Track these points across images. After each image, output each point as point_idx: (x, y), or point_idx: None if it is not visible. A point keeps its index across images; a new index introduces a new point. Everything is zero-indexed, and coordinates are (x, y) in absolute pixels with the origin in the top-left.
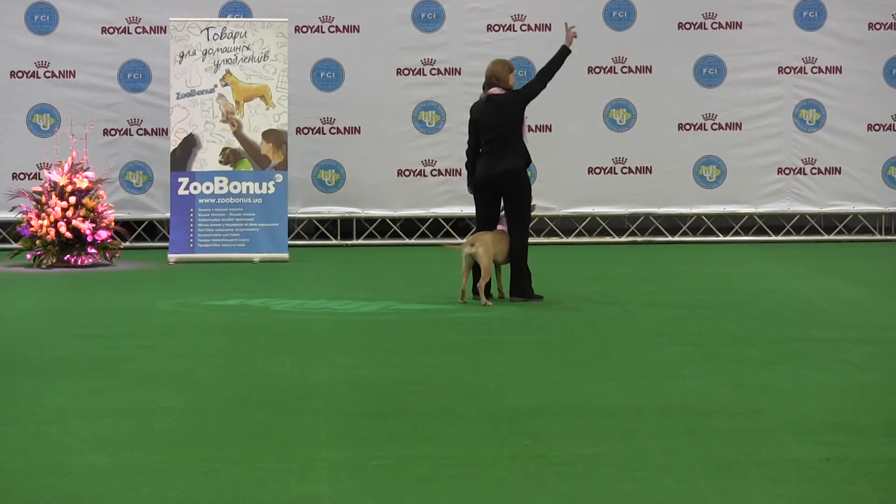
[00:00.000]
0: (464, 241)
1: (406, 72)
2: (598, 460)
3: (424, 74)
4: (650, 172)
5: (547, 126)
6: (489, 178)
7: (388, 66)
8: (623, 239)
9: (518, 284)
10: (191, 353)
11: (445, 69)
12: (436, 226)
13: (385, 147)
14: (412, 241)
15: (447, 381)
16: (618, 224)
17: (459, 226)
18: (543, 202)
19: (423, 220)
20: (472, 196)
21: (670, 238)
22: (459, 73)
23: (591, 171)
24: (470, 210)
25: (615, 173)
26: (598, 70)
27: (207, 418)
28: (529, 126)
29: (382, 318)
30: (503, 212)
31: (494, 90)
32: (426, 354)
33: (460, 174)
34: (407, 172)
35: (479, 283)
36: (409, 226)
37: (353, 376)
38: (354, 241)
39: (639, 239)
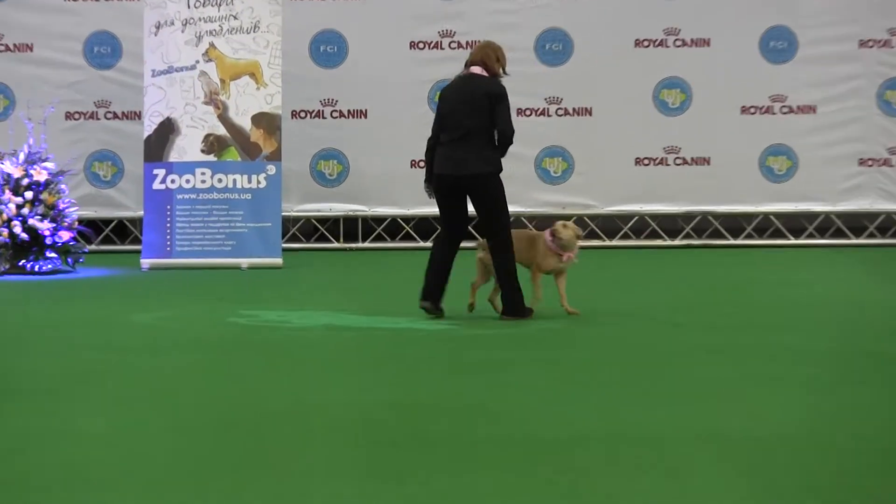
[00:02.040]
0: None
1: (421, 45)
2: (643, 498)
3: (442, 48)
4: (708, 164)
5: (586, 109)
6: (449, 178)
7: (399, 38)
8: (676, 242)
9: (511, 300)
10: (168, 373)
11: (467, 42)
12: None
13: (396, 134)
14: (427, 244)
15: (465, 404)
16: (670, 224)
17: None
18: (583, 199)
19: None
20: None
21: (732, 241)
22: None
23: (638, 162)
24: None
25: (667, 165)
26: (646, 43)
27: (188, 446)
28: (564, 109)
29: (391, 334)
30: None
31: (476, 69)
32: (441, 374)
33: None
34: (421, 164)
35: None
36: (424, 226)
37: (358, 399)
38: (360, 245)
39: (695, 242)
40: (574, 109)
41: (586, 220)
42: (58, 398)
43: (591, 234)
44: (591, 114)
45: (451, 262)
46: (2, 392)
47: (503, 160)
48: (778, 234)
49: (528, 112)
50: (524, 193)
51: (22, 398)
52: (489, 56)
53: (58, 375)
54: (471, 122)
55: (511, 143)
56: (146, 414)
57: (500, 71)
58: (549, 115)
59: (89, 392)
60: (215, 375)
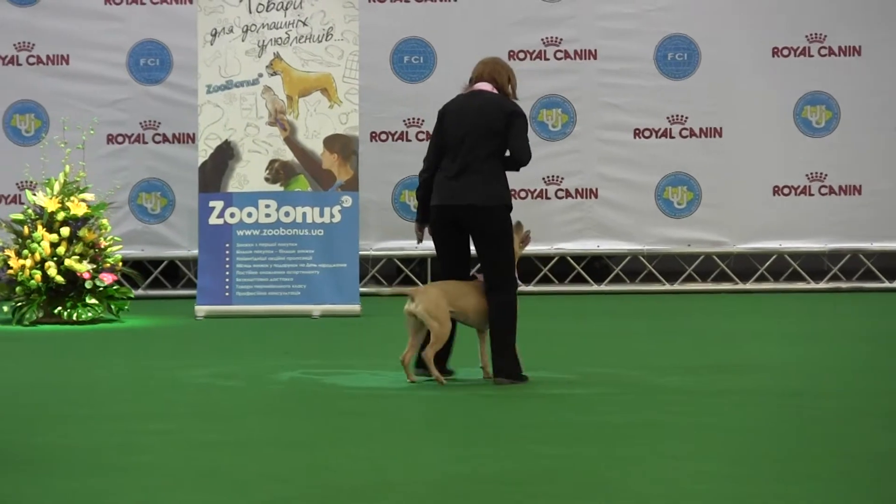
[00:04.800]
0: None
1: (521, 55)
2: None
3: (546, 58)
4: (859, 193)
5: (716, 130)
6: (446, 210)
7: (496, 46)
8: (821, 285)
9: (503, 360)
10: (226, 441)
11: (575, 52)
12: (562, 267)
13: None
14: (530, 287)
15: (577, 478)
16: (814, 264)
17: (595, 266)
18: (711, 234)
19: (544, 258)
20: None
21: (887, 283)
22: (594, 58)
23: (776, 191)
24: (614, 245)
25: (810, 194)
26: (786, 52)
27: None
28: (689, 129)
29: (487, 395)
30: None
31: (483, 85)
32: (547, 442)
33: (596, 196)
34: (522, 193)
35: (425, 352)
36: (526, 266)
37: (447, 473)
38: None
39: (843, 285)
40: (701, 130)
41: (716, 259)
42: (81, 476)
43: (722, 276)
44: (720, 135)
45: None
46: (22, 464)
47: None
48: None
49: (647, 133)
50: (642, 228)
51: (46, 471)
52: (499, 73)
53: (83, 448)
54: (478, 145)
55: (523, 166)
56: (195, 491)
57: (512, 93)
58: (671, 137)
59: (126, 463)
60: (277, 446)
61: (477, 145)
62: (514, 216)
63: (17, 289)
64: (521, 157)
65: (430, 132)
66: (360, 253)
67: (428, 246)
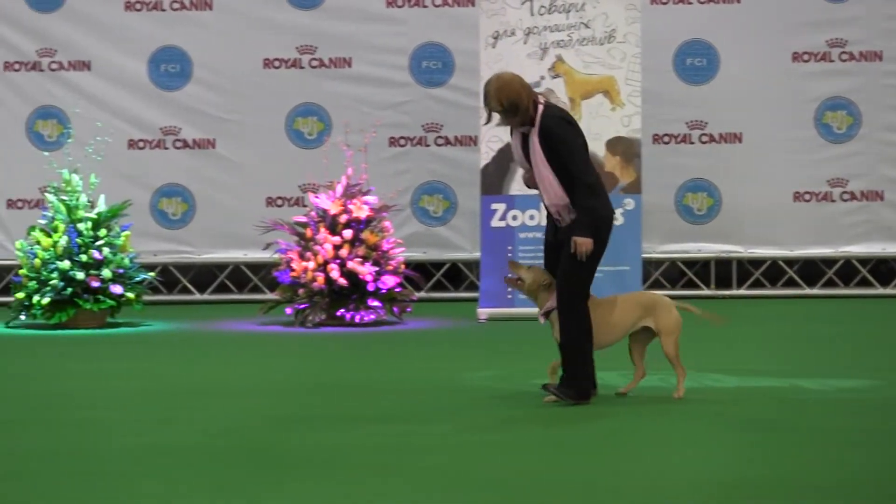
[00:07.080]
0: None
1: (805, 56)
2: None
3: (831, 60)
4: None
5: None
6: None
7: (779, 48)
8: None
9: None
10: (505, 445)
11: (860, 53)
12: (847, 270)
13: (775, 160)
14: (815, 290)
15: (874, 486)
16: None
17: (881, 269)
18: None
19: (830, 261)
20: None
21: None
22: (880, 59)
23: None
24: None
25: None
26: None
27: None
28: None
29: (765, 396)
30: None
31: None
32: (847, 448)
33: (881, 198)
34: (807, 196)
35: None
36: (811, 270)
37: (736, 476)
38: (735, 292)
39: None
40: None
41: None
42: (354, 478)
43: None
44: None
45: None
46: (298, 466)
47: None
48: None
49: None
50: None
51: (323, 473)
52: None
53: (356, 448)
54: None
55: None
56: (472, 494)
57: None
58: None
59: (403, 466)
60: (549, 449)
61: None
62: (799, 218)
63: (300, 291)
64: None
65: (714, 135)
66: (643, 256)
67: (710, 249)
